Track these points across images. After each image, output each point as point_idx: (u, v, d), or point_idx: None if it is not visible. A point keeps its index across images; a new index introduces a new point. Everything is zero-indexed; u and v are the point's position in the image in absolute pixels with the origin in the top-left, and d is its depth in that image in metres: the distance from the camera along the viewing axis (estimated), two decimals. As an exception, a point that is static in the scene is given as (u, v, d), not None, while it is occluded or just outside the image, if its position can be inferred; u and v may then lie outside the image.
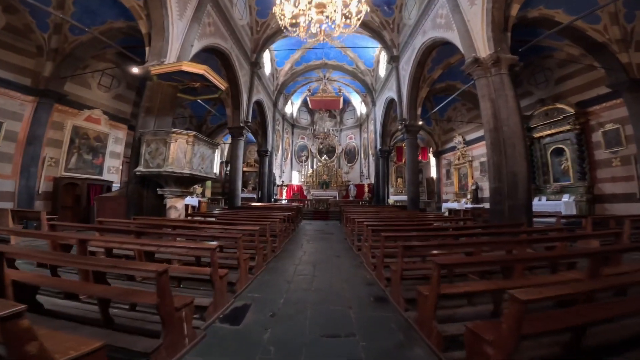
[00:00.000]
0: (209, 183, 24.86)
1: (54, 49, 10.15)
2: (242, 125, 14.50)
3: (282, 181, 24.73)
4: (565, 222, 8.24)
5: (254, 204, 16.27)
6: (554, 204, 10.83)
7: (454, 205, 16.14)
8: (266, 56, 20.14)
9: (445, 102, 13.81)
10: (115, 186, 11.64)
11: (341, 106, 25.52)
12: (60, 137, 10.39)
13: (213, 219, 7.25)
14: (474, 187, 15.54)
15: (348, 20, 7.12)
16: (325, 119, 22.70)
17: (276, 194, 23.26)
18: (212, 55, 13.01)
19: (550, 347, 2.31)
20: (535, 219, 8.94)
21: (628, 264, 4.12)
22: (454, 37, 9.88)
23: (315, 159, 27.32)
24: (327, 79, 24.61)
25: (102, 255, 4.14)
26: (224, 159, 24.41)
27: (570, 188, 10.99)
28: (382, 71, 20.29)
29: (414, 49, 13.64)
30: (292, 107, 27.47)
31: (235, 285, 3.96)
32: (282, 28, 7.49)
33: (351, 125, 28.34)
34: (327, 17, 6.88)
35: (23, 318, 1.39)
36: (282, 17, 7.14)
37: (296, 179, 27.10)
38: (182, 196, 6.62)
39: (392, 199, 20.60)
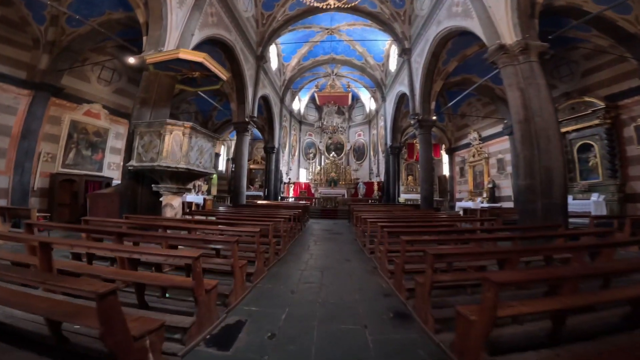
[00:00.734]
0: (215, 180, 24.48)
1: (50, 41, 9.77)
2: (247, 120, 13.95)
3: (289, 179, 24.16)
4: (595, 223, 7.48)
5: (259, 202, 15.74)
6: (582, 204, 10.00)
7: (469, 204, 15.34)
8: (273, 51, 19.61)
9: (461, 95, 13.05)
10: (116, 182, 11.23)
11: (350, 102, 24.83)
12: (58, 132, 9.99)
13: (213, 218, 6.70)
14: (490, 186, 14.73)
15: None
16: (334, 112, 21.96)
17: (283, 192, 22.71)
18: (215, 47, 12.49)
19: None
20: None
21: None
22: (473, 25, 9.23)
23: (323, 156, 26.68)
24: (335, 74, 23.94)
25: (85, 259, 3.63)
26: (231, 155, 23.96)
27: (600, 186, 10.15)
28: (392, 65, 19.55)
29: (427, 41, 12.93)
30: (299, 104, 26.88)
31: (229, 297, 3.37)
32: None
33: (360, 121, 27.62)
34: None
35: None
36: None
37: (303, 177, 26.52)
38: (179, 193, 6.08)
39: (402, 197, 19.84)
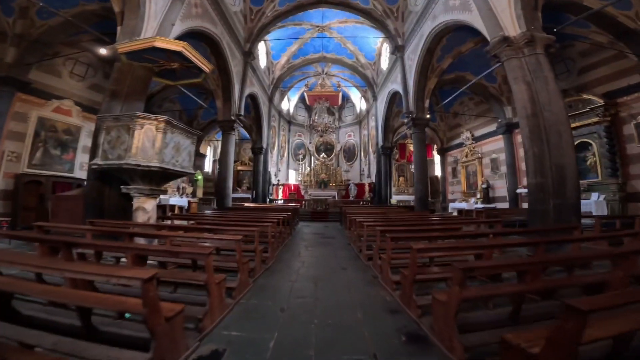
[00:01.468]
0: (200, 182, 23.59)
1: (18, 34, 8.97)
2: (233, 118, 13.25)
3: (278, 180, 23.45)
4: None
5: (246, 204, 15.01)
6: (582, 204, 9.65)
7: (463, 205, 14.97)
8: (261, 48, 18.97)
9: (455, 94, 12.68)
10: (90, 185, 10.35)
11: (340, 102, 24.36)
12: (24, 129, 9.10)
13: (192, 223, 6.01)
14: (484, 186, 14.39)
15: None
16: (325, 108, 21.34)
17: (271, 194, 21.98)
18: (200, 42, 11.80)
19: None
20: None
21: None
22: (471, 18, 8.93)
23: (313, 157, 26.06)
24: (326, 73, 23.44)
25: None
26: (218, 156, 23.13)
27: (599, 186, 9.86)
28: (384, 64, 19.16)
29: (421, 37, 12.54)
30: (288, 104, 26.24)
31: (203, 320, 2.73)
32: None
33: (350, 122, 27.14)
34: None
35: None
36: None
37: (293, 178, 25.82)
38: (152, 195, 5.37)
39: (394, 198, 19.40)
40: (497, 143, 14.22)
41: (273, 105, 21.76)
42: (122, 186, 5.37)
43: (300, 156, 26.67)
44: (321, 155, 25.58)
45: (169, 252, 2.93)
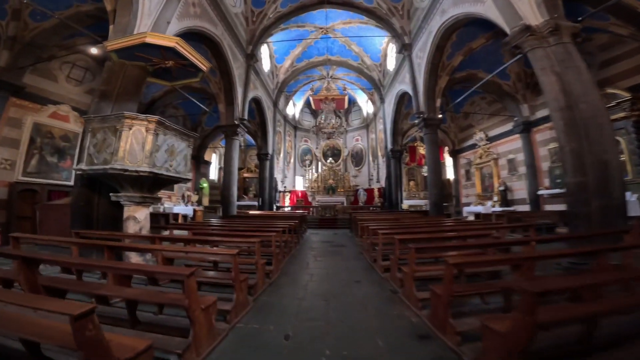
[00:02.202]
0: (206, 190, 23.19)
1: (11, 36, 8.69)
2: (236, 123, 12.80)
3: (285, 187, 22.93)
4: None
5: (251, 212, 14.49)
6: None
7: (479, 208, 14.22)
8: (264, 52, 18.63)
9: (467, 93, 11.99)
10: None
11: (346, 106, 23.83)
12: (18, 135, 8.74)
13: (188, 233, 5.47)
14: (501, 188, 13.62)
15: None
16: (332, 109, 20.72)
17: (278, 201, 21.45)
18: (200, 44, 11.46)
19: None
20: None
21: None
22: (485, 9, 8.39)
23: (320, 163, 25.51)
24: (331, 76, 22.98)
25: None
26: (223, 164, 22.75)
27: (631, 184, 9.08)
28: (390, 65, 18.65)
29: (430, 33, 12.01)
30: (294, 109, 25.83)
31: (184, 355, 2.15)
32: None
33: (357, 126, 26.58)
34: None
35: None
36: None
37: (300, 185, 25.27)
38: (144, 203, 4.86)
39: (405, 203, 18.69)
40: (514, 143, 13.49)
41: (278, 109, 21.35)
42: (111, 194, 4.87)
43: (307, 162, 26.17)
44: (328, 161, 25.01)
45: (144, 271, 2.38)
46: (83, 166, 4.54)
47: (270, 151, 18.93)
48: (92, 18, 9.11)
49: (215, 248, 4.23)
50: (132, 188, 4.70)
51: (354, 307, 3.70)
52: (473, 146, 16.51)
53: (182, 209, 15.60)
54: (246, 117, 13.87)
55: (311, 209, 19.25)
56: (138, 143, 4.50)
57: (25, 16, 8.68)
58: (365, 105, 25.33)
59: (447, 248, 3.84)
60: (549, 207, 11.35)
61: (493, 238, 4.76)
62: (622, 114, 9.38)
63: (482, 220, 9.35)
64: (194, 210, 16.37)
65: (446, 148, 19.78)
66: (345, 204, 21.32)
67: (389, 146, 18.59)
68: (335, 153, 25.61)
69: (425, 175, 20.19)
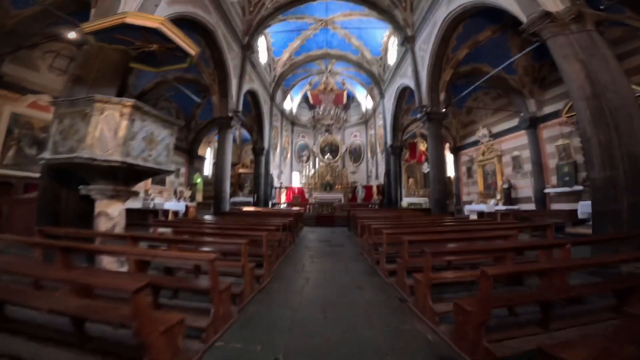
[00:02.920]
0: (200, 185, 22.65)
1: (-8, 24, 8.07)
2: (230, 115, 12.20)
3: (281, 183, 22.35)
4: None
5: (245, 208, 13.91)
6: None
7: (481, 207, 13.75)
8: (262, 44, 18.02)
9: (473, 86, 11.47)
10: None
11: (345, 101, 23.26)
12: (-6, 125, 8.16)
13: (168, 231, 4.91)
14: (505, 186, 13.15)
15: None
16: (331, 100, 20.03)
17: (274, 198, 20.88)
18: (193, 33, 10.86)
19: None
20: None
21: None
22: (497, -4, 7.87)
23: (317, 159, 24.93)
24: (330, 71, 22.38)
25: None
26: (218, 159, 22.14)
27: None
28: (391, 59, 18.12)
29: (435, 24, 11.49)
30: (291, 103, 25.22)
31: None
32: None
33: (356, 122, 26.01)
34: None
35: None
36: None
37: (297, 181, 24.70)
38: (118, 197, 4.29)
39: (405, 201, 18.20)
40: (519, 139, 13.00)
41: (275, 104, 20.75)
42: (80, 186, 4.29)
43: (304, 158, 25.60)
44: (326, 157, 24.46)
45: (79, 283, 1.84)
46: (47, 155, 3.96)
47: (266, 146, 18.33)
48: (76, 4, 8.50)
49: (192, 251, 3.69)
50: (104, 180, 4.13)
51: (356, 320, 3.17)
52: (475, 143, 16.02)
53: (174, 205, 15.00)
54: (241, 109, 13.29)
55: (308, 206, 18.69)
56: (110, 129, 3.93)
57: (6, 3, 8.11)
58: (364, 101, 24.79)
59: (469, 252, 3.32)
60: (555, 206, 10.89)
61: (519, 241, 4.24)
62: (636, 109, 8.91)
63: (497, 220, 8.83)
64: (187, 207, 15.79)
65: (447, 145, 19.27)
66: (343, 201, 20.80)
67: (389, 142, 18.08)
68: (333, 149, 25.04)
69: (425, 172, 19.75)
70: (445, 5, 10.72)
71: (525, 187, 12.65)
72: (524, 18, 6.78)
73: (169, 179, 16.35)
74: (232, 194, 21.31)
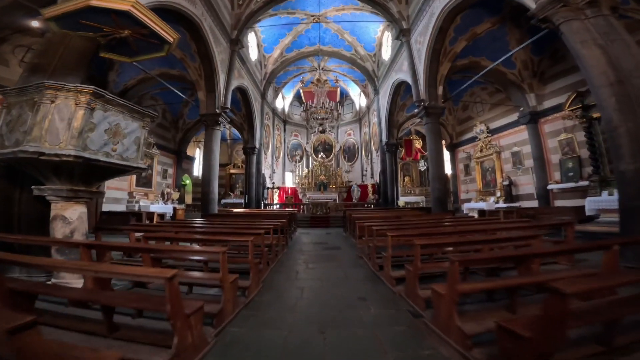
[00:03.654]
0: (189, 187, 21.87)
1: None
2: (218, 111, 11.53)
3: (273, 183, 21.68)
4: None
5: (235, 210, 13.24)
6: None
7: (481, 205, 13.34)
8: (252, 40, 17.40)
9: (471, 80, 11.07)
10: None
11: (338, 99, 22.72)
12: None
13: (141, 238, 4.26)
14: (506, 183, 12.72)
15: None
16: (324, 93, 19.42)
17: (266, 198, 20.22)
18: (178, 27, 10.18)
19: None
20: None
21: None
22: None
23: (310, 158, 24.33)
24: (322, 68, 21.80)
25: None
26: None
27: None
28: (385, 55, 17.66)
29: (432, 15, 11.02)
30: (283, 102, 24.58)
31: None
32: None
33: (349, 120, 25.49)
34: None
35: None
36: None
37: (289, 181, 24.06)
38: (77, 199, 3.65)
39: (401, 200, 17.73)
40: (519, 135, 12.59)
41: (266, 102, 20.12)
42: (33, 187, 3.63)
43: (297, 157, 24.98)
44: (319, 156, 23.87)
45: None
46: (-10, 149, 3.31)
47: (257, 145, 17.67)
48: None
49: (153, 264, 3.09)
50: (58, 178, 3.48)
51: (363, 343, 2.59)
52: (473, 139, 15.59)
53: (161, 207, 14.27)
54: (229, 105, 12.62)
55: (301, 206, 18.09)
56: (62, 119, 3.30)
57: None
58: (358, 99, 24.29)
59: (497, 259, 2.77)
60: (559, 203, 10.47)
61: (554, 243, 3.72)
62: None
63: (501, 218, 8.32)
64: (175, 209, 15.06)
65: (443, 142, 18.83)
66: (337, 201, 20.24)
67: (384, 139, 17.59)
68: (326, 148, 24.48)
69: (422, 170, 19.34)
70: (443, -6, 10.25)
71: (526, 184, 12.24)
72: (532, 4, 6.35)
73: (156, 180, 15.57)
74: (224, 196, 20.61)
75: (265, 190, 20.11)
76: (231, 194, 21.45)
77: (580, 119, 9.53)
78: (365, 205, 18.42)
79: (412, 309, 3.25)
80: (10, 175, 3.91)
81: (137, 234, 5.26)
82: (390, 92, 16.39)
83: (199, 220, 7.73)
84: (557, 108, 10.75)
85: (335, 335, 2.74)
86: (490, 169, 14.20)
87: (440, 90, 11.51)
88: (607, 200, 8.60)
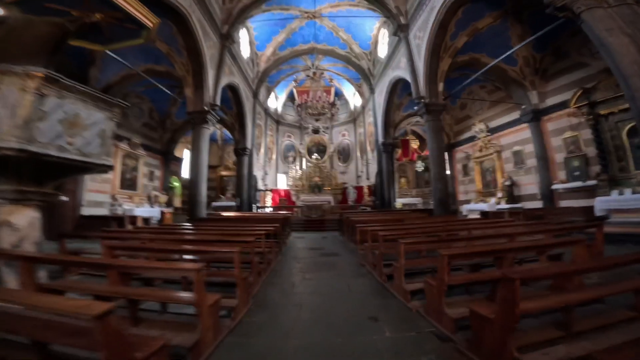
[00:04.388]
0: (178, 190, 21.04)
1: None
2: (206, 109, 10.86)
3: (266, 185, 21.00)
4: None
5: (225, 214, 12.54)
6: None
7: (481, 206, 12.91)
8: (244, 37, 16.79)
9: (472, 77, 10.63)
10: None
11: (332, 99, 22.22)
12: None
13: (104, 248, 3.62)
14: (507, 183, 12.29)
15: None
16: (320, 86, 18.83)
17: (258, 201, 19.53)
18: (164, 18, 9.53)
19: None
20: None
21: None
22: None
23: (304, 159, 23.72)
24: (316, 67, 21.27)
25: None
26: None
27: None
28: (381, 52, 17.23)
29: (432, 9, 10.62)
30: (276, 102, 23.97)
31: None
32: None
33: (344, 120, 24.98)
34: None
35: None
36: None
37: (283, 183, 23.39)
38: (26, 201, 2.99)
39: (399, 202, 17.22)
40: (521, 133, 12.19)
41: (258, 101, 19.48)
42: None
43: (291, 159, 24.34)
44: (313, 157, 23.27)
45: None
46: None
47: (249, 145, 17.00)
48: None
49: (113, 281, 2.46)
50: (2, 176, 2.83)
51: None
52: (471, 139, 15.17)
53: (146, 211, 13.51)
54: (218, 103, 11.96)
55: (295, 209, 17.45)
56: (6, 107, 2.65)
57: None
58: (352, 99, 23.84)
59: (560, 275, 2.21)
60: (565, 203, 10.05)
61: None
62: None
63: (506, 219, 7.81)
64: (162, 213, 14.31)
65: (440, 142, 18.45)
66: (332, 204, 19.64)
67: (380, 139, 17.09)
68: (320, 149, 23.90)
69: (419, 171, 18.89)
70: (444, -13, 9.82)
71: (528, 184, 11.82)
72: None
73: (142, 182, 14.79)
74: (214, 198, 19.83)
75: (257, 193, 19.42)
76: (222, 196, 20.66)
77: (587, 116, 9.17)
78: (361, 208, 17.86)
79: (436, 331, 2.66)
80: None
81: (107, 242, 4.60)
82: (386, 91, 15.95)
83: (183, 226, 7.05)
84: (560, 105, 10.38)
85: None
86: (490, 169, 13.78)
87: (441, 86, 11.06)
88: (618, 199, 8.22)
